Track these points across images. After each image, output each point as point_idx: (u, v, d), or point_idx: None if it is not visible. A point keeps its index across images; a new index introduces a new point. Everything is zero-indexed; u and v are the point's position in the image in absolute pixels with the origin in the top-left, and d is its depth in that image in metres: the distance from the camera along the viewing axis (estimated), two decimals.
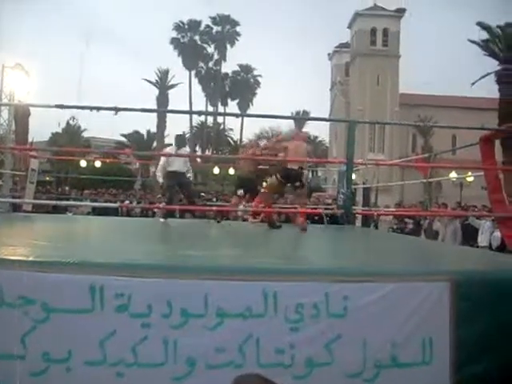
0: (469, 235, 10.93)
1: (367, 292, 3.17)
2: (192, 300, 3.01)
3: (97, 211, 11.38)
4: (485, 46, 25.46)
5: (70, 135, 42.33)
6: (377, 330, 3.19)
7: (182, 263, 3.39)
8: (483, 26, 25.81)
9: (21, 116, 13.22)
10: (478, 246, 10.21)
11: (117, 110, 3.61)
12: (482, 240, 10.13)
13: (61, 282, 2.95)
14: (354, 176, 10.69)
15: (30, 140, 11.46)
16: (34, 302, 2.91)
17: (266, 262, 3.59)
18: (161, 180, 7.96)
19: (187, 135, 54.78)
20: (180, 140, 8.15)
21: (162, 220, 7.83)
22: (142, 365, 2.98)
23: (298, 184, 7.14)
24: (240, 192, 8.40)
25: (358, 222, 9.86)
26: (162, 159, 7.89)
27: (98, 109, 3.74)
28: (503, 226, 5.78)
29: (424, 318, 3.24)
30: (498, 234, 9.20)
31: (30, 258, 3.08)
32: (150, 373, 2.97)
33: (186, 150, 8.72)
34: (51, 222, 7.04)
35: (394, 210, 9.57)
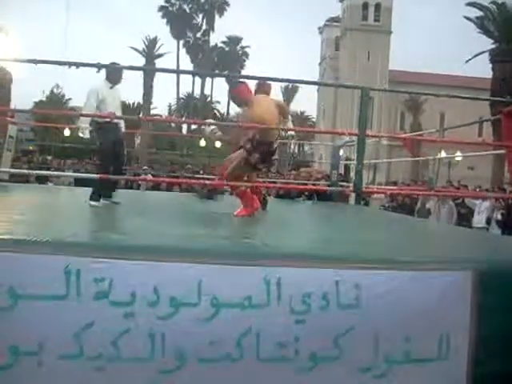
0: (462, 215, 10.68)
1: (382, 280, 2.82)
2: (183, 287, 2.62)
3: (79, 182, 10.84)
4: (479, 23, 24.90)
5: (54, 104, 41.35)
6: (390, 323, 2.87)
7: (172, 244, 2.98)
8: (475, 6, 25.24)
9: (2, 82, 12.66)
10: (472, 227, 9.96)
11: (99, 66, 3.17)
12: (479, 221, 9.85)
13: (30, 264, 2.55)
14: (341, 152, 10.36)
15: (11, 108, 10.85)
16: None
17: (268, 244, 3.18)
18: (87, 135, 5.08)
19: (173, 106, 54.07)
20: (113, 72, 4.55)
21: (92, 203, 4.99)
22: (125, 359, 2.62)
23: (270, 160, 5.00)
24: None
25: (351, 200, 9.52)
26: (92, 98, 4.68)
27: (78, 65, 3.32)
28: None
29: (443, 311, 2.92)
30: (499, 216, 8.95)
31: None
32: (135, 367, 2.62)
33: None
34: (27, 194, 6.55)
35: (390, 188, 9.23)
